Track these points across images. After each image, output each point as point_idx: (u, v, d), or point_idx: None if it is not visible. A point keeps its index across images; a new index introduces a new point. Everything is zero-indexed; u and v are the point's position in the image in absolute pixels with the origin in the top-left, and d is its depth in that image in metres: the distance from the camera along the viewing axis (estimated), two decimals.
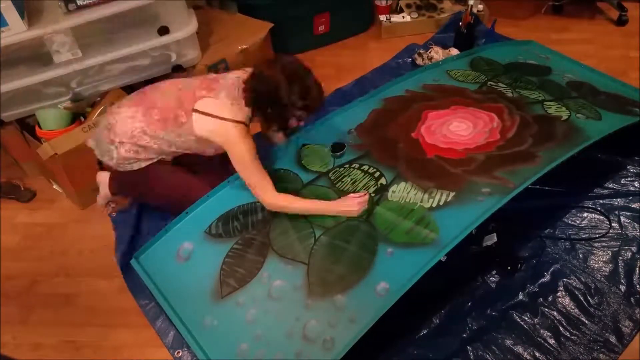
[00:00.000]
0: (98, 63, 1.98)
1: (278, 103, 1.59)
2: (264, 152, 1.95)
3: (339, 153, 1.91)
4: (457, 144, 1.85)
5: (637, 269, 1.80)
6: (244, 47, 2.30)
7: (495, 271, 1.82)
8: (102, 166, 2.06)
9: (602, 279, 1.78)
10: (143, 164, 1.71)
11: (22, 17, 1.76)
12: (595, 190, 2.08)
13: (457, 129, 1.92)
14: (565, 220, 1.97)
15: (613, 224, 1.95)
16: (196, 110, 1.62)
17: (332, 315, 1.43)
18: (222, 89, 1.65)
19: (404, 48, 2.97)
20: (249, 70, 1.67)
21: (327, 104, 2.57)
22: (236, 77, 1.67)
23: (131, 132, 1.65)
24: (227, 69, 2.26)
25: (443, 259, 1.46)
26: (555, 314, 1.69)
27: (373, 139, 1.96)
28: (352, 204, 1.63)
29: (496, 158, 1.76)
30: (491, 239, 1.78)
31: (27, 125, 2.11)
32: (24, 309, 1.79)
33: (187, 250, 1.73)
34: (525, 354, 1.60)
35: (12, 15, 1.73)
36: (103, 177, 1.99)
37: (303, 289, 1.51)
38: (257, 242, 1.67)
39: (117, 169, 1.74)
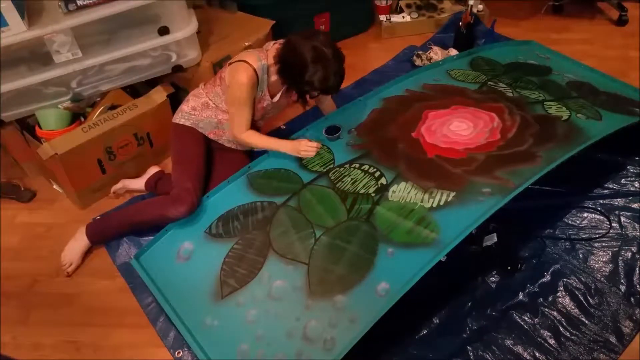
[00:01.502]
0: (98, 63, 1.98)
1: (298, 79, 1.72)
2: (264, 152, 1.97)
3: (334, 135, 1.94)
4: (458, 143, 1.85)
5: (637, 269, 1.80)
6: (249, 43, 2.30)
7: (495, 271, 1.82)
8: (102, 166, 2.07)
9: (602, 279, 1.78)
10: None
11: (22, 17, 1.76)
12: (595, 190, 2.08)
13: (457, 129, 1.92)
14: (565, 220, 1.98)
15: (613, 224, 1.95)
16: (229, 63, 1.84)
17: (333, 316, 1.43)
18: (262, 50, 1.83)
19: (404, 48, 2.97)
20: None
21: None
22: (280, 43, 1.80)
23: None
24: None
25: (443, 259, 1.46)
26: (555, 314, 1.69)
27: (373, 139, 1.96)
28: (305, 147, 1.83)
29: (496, 158, 1.77)
30: (491, 239, 1.78)
31: (27, 125, 2.11)
32: (24, 309, 1.79)
33: (187, 250, 1.73)
34: (525, 354, 1.60)
35: (12, 15, 1.73)
36: (151, 170, 2.17)
37: (303, 289, 1.51)
38: (257, 242, 1.67)
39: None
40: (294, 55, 1.69)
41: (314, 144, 1.84)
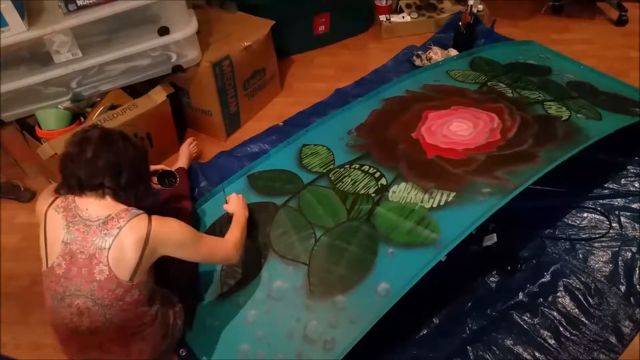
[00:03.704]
0: (98, 63, 1.97)
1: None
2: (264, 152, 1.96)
3: (167, 183, 1.68)
4: (458, 144, 1.85)
5: (637, 269, 1.80)
6: (248, 44, 2.30)
7: (495, 271, 1.82)
8: None
9: (602, 279, 1.78)
10: None
11: (22, 18, 1.75)
12: (595, 190, 2.08)
13: (457, 129, 1.92)
14: (565, 220, 1.98)
15: (613, 224, 1.95)
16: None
17: (333, 316, 1.43)
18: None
19: (404, 48, 2.97)
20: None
21: (327, 105, 2.58)
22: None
23: None
24: (231, 65, 2.26)
25: (443, 259, 1.46)
26: (555, 314, 1.69)
27: (373, 139, 1.96)
28: (237, 202, 1.65)
29: (496, 158, 1.77)
30: (491, 239, 1.78)
31: (27, 125, 2.10)
32: (24, 309, 1.79)
33: None
34: (525, 354, 1.60)
35: (12, 16, 1.73)
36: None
37: (304, 289, 1.51)
38: (257, 243, 1.67)
39: None
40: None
41: (232, 198, 1.66)
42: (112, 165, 1.25)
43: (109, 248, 1.23)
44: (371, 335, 1.35)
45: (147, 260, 1.27)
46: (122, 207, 1.28)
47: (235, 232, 1.51)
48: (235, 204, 1.65)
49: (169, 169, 1.72)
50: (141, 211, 1.29)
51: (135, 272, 1.25)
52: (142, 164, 1.36)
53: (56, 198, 1.30)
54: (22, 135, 2.09)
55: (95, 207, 1.26)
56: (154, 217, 1.28)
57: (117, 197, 1.28)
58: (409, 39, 3.05)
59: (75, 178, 1.25)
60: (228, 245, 1.45)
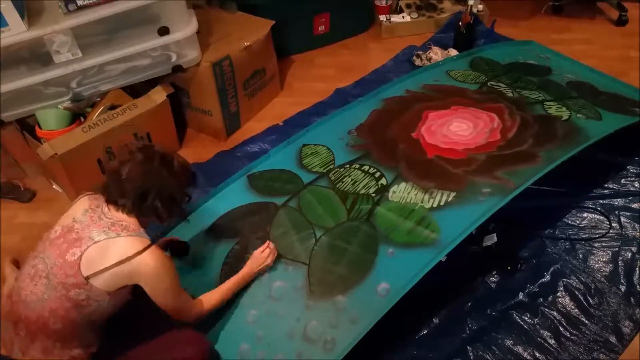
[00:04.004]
0: (98, 63, 1.97)
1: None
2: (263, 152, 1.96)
3: (180, 252, 1.66)
4: (458, 144, 1.85)
5: (637, 269, 1.80)
6: (248, 44, 2.30)
7: (495, 271, 1.82)
8: (102, 166, 2.07)
9: (602, 279, 1.79)
10: None
11: (22, 17, 1.75)
12: (595, 190, 2.08)
13: (457, 129, 1.92)
14: (565, 220, 1.98)
15: (613, 224, 1.95)
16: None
17: (333, 316, 1.43)
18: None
19: (404, 48, 2.97)
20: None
21: (327, 105, 2.58)
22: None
23: None
24: (231, 65, 2.26)
25: (443, 259, 1.46)
26: (555, 314, 1.70)
27: (373, 139, 1.96)
28: (262, 259, 1.54)
29: (497, 158, 1.77)
30: (491, 239, 1.78)
31: (27, 125, 2.10)
32: None
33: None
34: (525, 354, 1.60)
35: (12, 16, 1.73)
36: None
37: (304, 289, 1.51)
38: (257, 243, 1.66)
39: None
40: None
41: (266, 247, 1.56)
42: (138, 191, 1.29)
43: (96, 242, 1.25)
44: (371, 335, 1.35)
45: (114, 276, 1.25)
46: (137, 223, 1.31)
47: (216, 296, 1.44)
48: (258, 260, 1.53)
49: (180, 239, 1.70)
50: (147, 237, 1.30)
51: (95, 275, 1.24)
52: (175, 192, 1.35)
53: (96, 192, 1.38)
54: (22, 135, 2.09)
55: (117, 212, 1.31)
56: (152, 249, 1.28)
57: (136, 216, 1.32)
58: (409, 39, 3.05)
59: (107, 190, 1.32)
60: (194, 311, 1.38)
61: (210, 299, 1.44)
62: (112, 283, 1.27)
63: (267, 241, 1.58)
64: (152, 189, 1.29)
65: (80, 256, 1.24)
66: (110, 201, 1.32)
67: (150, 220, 1.36)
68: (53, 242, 1.29)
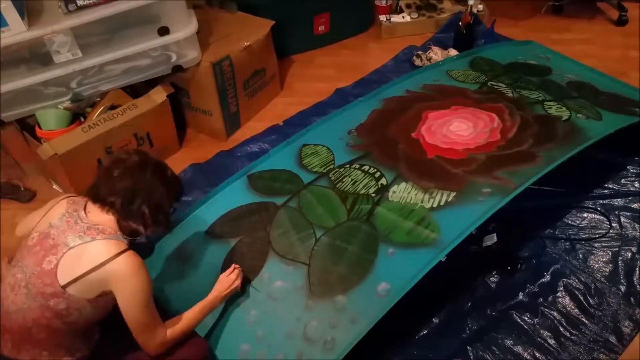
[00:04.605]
0: (98, 63, 1.97)
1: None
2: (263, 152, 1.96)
3: None
4: (458, 144, 1.85)
5: (637, 269, 1.80)
6: (248, 44, 2.30)
7: (495, 271, 1.82)
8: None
9: (602, 279, 1.79)
10: None
11: (22, 17, 1.75)
12: (595, 190, 2.08)
13: (457, 129, 1.92)
14: (565, 220, 1.98)
15: (613, 224, 1.95)
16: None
17: (333, 316, 1.43)
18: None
19: (404, 48, 2.97)
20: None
21: (327, 105, 2.58)
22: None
23: None
24: (231, 65, 2.26)
25: (443, 259, 1.46)
26: (555, 314, 1.70)
27: (373, 139, 1.96)
28: (229, 282, 1.47)
29: (497, 158, 1.77)
30: (491, 239, 1.78)
31: (27, 125, 2.10)
32: None
33: (187, 250, 1.73)
34: (525, 354, 1.60)
35: (12, 16, 1.73)
36: None
37: (304, 289, 1.51)
38: (257, 243, 1.67)
39: None
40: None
41: (232, 271, 1.50)
42: (128, 191, 1.26)
43: (71, 248, 1.22)
44: (371, 335, 1.35)
45: (89, 282, 1.22)
46: (115, 226, 1.28)
47: (181, 326, 1.33)
48: (224, 284, 1.46)
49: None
50: (124, 241, 1.27)
51: (71, 283, 1.21)
52: (163, 201, 1.32)
53: (77, 195, 1.35)
54: (22, 135, 2.09)
55: (95, 215, 1.28)
56: (128, 254, 1.24)
57: (120, 219, 1.29)
58: (409, 39, 3.05)
59: (95, 188, 1.29)
60: (159, 335, 1.29)
61: (175, 329, 1.32)
62: (88, 290, 1.23)
63: (233, 265, 1.52)
64: (142, 193, 1.27)
65: (57, 264, 1.22)
66: (97, 199, 1.27)
67: (132, 228, 1.31)
68: (30, 250, 1.27)
